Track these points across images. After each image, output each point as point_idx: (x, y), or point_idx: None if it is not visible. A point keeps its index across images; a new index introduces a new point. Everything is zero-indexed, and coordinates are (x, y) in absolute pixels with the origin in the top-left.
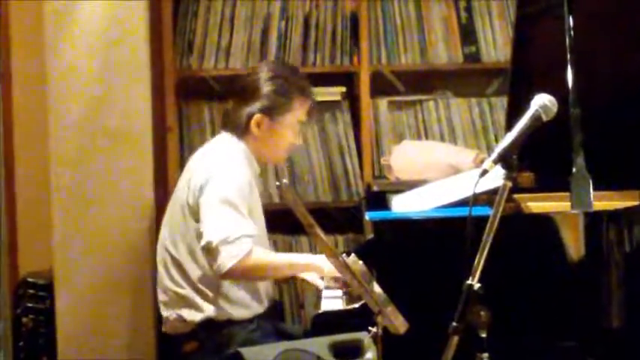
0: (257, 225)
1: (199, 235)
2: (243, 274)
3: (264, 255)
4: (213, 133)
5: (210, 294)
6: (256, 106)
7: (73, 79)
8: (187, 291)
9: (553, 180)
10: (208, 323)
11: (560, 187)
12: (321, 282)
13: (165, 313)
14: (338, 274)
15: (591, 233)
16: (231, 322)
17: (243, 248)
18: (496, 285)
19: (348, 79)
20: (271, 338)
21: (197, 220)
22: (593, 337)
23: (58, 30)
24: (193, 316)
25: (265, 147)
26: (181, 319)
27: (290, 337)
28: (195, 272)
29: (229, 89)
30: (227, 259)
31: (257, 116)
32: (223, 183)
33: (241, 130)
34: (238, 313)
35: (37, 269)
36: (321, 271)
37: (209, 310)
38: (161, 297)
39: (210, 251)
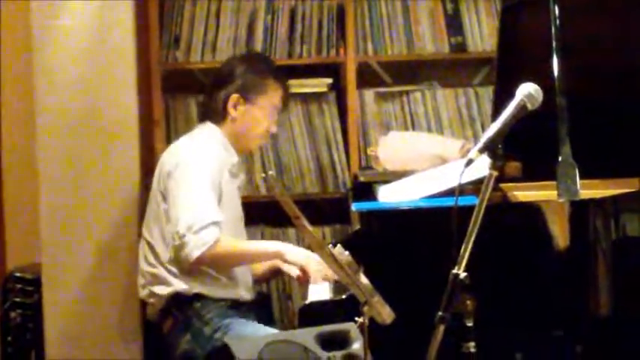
0: (230, 213)
1: (168, 219)
2: (211, 263)
3: (231, 243)
4: None
5: (180, 273)
6: (232, 87)
7: (60, 74)
8: (159, 270)
9: (540, 169)
10: (177, 296)
11: (547, 176)
12: (295, 271)
13: (141, 294)
14: (300, 262)
15: (578, 222)
16: (201, 297)
17: (210, 237)
18: (483, 274)
19: (334, 70)
20: (251, 322)
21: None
22: (581, 326)
23: (45, 26)
24: (163, 290)
25: (241, 131)
26: (153, 295)
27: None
28: (165, 254)
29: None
30: (194, 249)
31: (233, 96)
32: (191, 169)
33: (219, 114)
34: (210, 291)
35: (25, 263)
36: (284, 257)
37: (178, 284)
38: (139, 281)
39: (178, 240)
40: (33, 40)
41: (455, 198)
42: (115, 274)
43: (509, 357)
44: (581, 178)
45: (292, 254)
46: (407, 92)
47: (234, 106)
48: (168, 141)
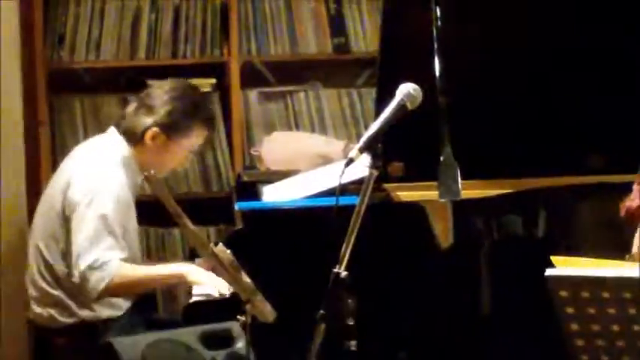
0: (132, 238)
1: (69, 250)
2: (115, 293)
3: (132, 271)
4: (85, 127)
5: (83, 298)
6: (156, 119)
7: None
8: (59, 292)
9: (423, 169)
10: (81, 324)
11: (430, 176)
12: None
13: (36, 309)
14: (202, 282)
15: (459, 221)
16: (102, 321)
17: (110, 270)
18: (365, 273)
19: (218, 70)
20: (141, 329)
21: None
22: (463, 325)
23: None
24: (66, 318)
25: (152, 160)
26: (53, 318)
27: (162, 326)
28: (67, 278)
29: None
30: (95, 284)
31: (154, 130)
32: (100, 202)
33: (135, 137)
34: (109, 312)
35: None
36: (185, 279)
37: (82, 313)
38: (31, 291)
39: (78, 277)
40: None
41: (335, 197)
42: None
43: (393, 355)
44: (463, 178)
45: (194, 275)
46: (291, 92)
47: (152, 138)
48: (54, 141)
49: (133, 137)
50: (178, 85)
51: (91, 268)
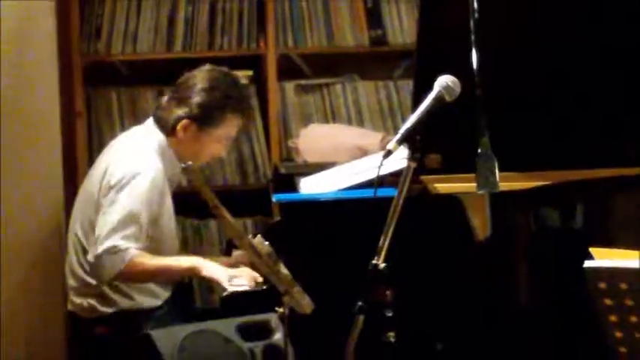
0: (167, 226)
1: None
2: (127, 281)
3: (147, 261)
4: (122, 118)
5: (121, 286)
6: (187, 111)
7: None
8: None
9: (460, 162)
10: (120, 313)
11: (468, 168)
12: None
13: (75, 299)
14: (217, 278)
15: (497, 214)
16: (141, 311)
17: (125, 258)
18: (403, 265)
19: (255, 62)
20: (179, 320)
21: None
22: (499, 317)
23: None
24: (106, 307)
25: (187, 151)
26: (93, 309)
27: (200, 317)
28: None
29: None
30: (109, 269)
31: (185, 121)
32: (130, 189)
33: (168, 128)
34: (148, 302)
35: None
36: (199, 273)
37: (121, 302)
38: (71, 282)
39: (94, 257)
40: None
41: (374, 189)
42: (37, 266)
43: (430, 347)
44: (501, 170)
45: (208, 270)
46: (327, 85)
47: (184, 129)
48: (90, 132)
49: (167, 128)
50: (212, 74)
51: (108, 252)
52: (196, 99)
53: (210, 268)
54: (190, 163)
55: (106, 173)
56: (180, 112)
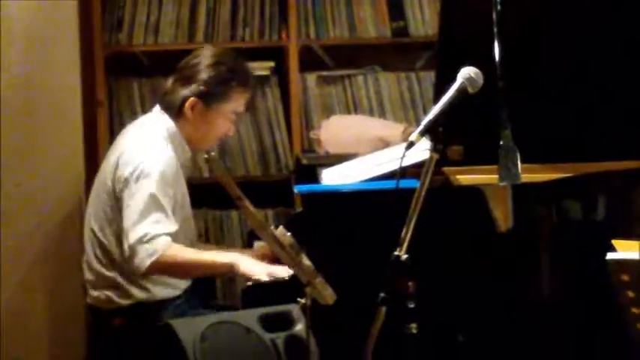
0: (182, 214)
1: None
2: (162, 271)
3: (182, 253)
4: (143, 108)
5: (138, 278)
6: (192, 90)
7: (2, 56)
8: (114, 274)
9: (482, 153)
10: (138, 305)
11: (490, 160)
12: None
13: (93, 292)
14: (254, 274)
15: (519, 205)
16: (159, 302)
17: (160, 245)
18: (424, 256)
19: (276, 53)
20: (198, 311)
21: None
22: (521, 309)
23: None
24: (123, 299)
25: (196, 132)
26: (110, 300)
27: (219, 308)
28: (121, 259)
29: (163, 67)
30: (144, 258)
31: (191, 100)
32: (148, 178)
33: (175, 110)
34: (166, 293)
35: None
36: (237, 270)
37: (138, 294)
38: (87, 275)
39: (128, 251)
40: None
41: (396, 181)
42: (57, 258)
43: (451, 338)
44: (523, 162)
45: (245, 267)
46: (349, 76)
47: (191, 108)
48: (111, 122)
49: (174, 110)
50: (215, 51)
51: (141, 241)
52: (202, 76)
53: (248, 265)
54: (213, 153)
55: (119, 164)
56: (186, 91)
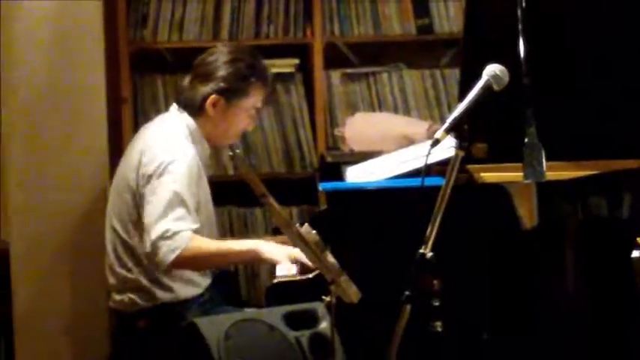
0: (204, 212)
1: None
2: (186, 265)
3: (205, 244)
4: (168, 105)
5: (162, 279)
6: (213, 87)
7: (26, 52)
8: (137, 276)
9: (507, 151)
10: (161, 306)
11: (514, 157)
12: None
13: (116, 296)
14: (278, 260)
15: (543, 203)
16: (183, 302)
17: (182, 241)
18: (449, 254)
19: (301, 51)
20: (222, 307)
21: None
22: (546, 306)
23: (11, 4)
24: (146, 301)
25: (217, 128)
26: (134, 303)
27: (242, 304)
28: (147, 257)
29: (187, 64)
30: (167, 254)
31: (213, 97)
32: (172, 175)
33: (196, 107)
34: (189, 291)
35: None
36: (261, 256)
37: (162, 296)
38: (111, 280)
39: (150, 247)
40: None
41: (421, 178)
42: (81, 253)
43: (476, 336)
44: (548, 160)
45: (269, 252)
46: (374, 73)
47: (213, 105)
48: (136, 119)
49: (194, 108)
50: (231, 48)
51: (163, 237)
52: (221, 72)
53: (271, 250)
54: (238, 151)
55: (141, 163)
56: (207, 88)
